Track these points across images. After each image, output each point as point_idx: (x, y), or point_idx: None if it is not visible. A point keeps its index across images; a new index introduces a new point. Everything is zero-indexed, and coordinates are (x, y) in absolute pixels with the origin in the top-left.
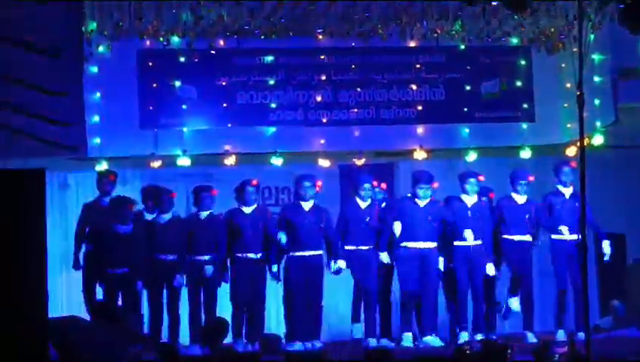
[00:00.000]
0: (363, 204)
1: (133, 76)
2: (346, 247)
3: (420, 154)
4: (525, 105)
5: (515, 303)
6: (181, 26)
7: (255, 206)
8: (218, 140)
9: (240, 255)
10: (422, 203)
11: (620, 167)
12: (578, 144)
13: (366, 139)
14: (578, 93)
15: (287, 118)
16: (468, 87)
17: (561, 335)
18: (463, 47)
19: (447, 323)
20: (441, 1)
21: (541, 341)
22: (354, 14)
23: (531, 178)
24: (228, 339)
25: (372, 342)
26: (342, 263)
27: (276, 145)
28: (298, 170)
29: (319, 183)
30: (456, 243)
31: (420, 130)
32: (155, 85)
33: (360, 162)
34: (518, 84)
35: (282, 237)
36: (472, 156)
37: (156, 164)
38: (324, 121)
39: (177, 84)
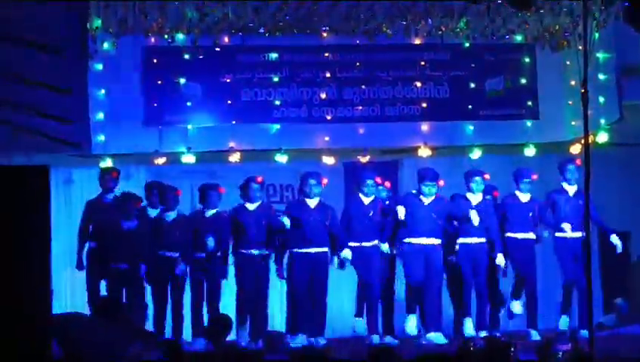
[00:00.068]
0: (366, 200)
1: (137, 73)
2: (350, 244)
3: (424, 152)
4: (529, 103)
5: (517, 306)
6: (186, 23)
7: (259, 203)
8: (222, 137)
9: (244, 251)
10: (426, 200)
11: (625, 164)
12: (582, 142)
13: (370, 137)
14: (582, 90)
15: (291, 116)
16: (472, 85)
17: (564, 322)
18: (467, 44)
19: (450, 321)
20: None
21: (545, 338)
22: (359, 12)
23: (535, 176)
24: (232, 336)
25: (375, 338)
26: (347, 252)
27: (281, 143)
28: (302, 168)
29: (325, 181)
30: (460, 240)
31: (425, 127)
32: (159, 82)
33: (364, 159)
34: (523, 81)
35: (285, 221)
36: (476, 153)
37: (160, 161)
38: (329, 118)
39: (182, 81)
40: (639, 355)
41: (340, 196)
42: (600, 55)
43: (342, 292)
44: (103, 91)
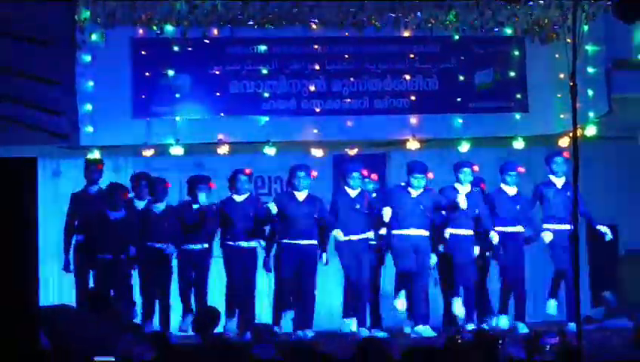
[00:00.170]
0: (352, 193)
1: (126, 65)
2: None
3: (413, 144)
4: (519, 96)
5: (503, 321)
6: (175, 15)
7: (247, 195)
8: (211, 129)
9: (232, 243)
10: (415, 192)
11: (613, 157)
12: (571, 135)
13: (359, 129)
14: (571, 83)
15: (280, 108)
16: (461, 78)
17: (552, 306)
18: (456, 37)
19: (439, 314)
20: None
21: (532, 331)
22: (348, 4)
23: (521, 169)
24: (219, 328)
25: (364, 332)
26: (338, 232)
27: (269, 135)
28: (291, 160)
29: (314, 173)
30: (450, 230)
31: (414, 120)
32: (148, 74)
33: (353, 152)
34: (512, 74)
35: (272, 207)
36: (465, 146)
37: (149, 152)
38: (318, 110)
39: (170, 72)
40: (627, 348)
41: (328, 189)
42: (589, 48)
43: (330, 285)
44: (91, 83)
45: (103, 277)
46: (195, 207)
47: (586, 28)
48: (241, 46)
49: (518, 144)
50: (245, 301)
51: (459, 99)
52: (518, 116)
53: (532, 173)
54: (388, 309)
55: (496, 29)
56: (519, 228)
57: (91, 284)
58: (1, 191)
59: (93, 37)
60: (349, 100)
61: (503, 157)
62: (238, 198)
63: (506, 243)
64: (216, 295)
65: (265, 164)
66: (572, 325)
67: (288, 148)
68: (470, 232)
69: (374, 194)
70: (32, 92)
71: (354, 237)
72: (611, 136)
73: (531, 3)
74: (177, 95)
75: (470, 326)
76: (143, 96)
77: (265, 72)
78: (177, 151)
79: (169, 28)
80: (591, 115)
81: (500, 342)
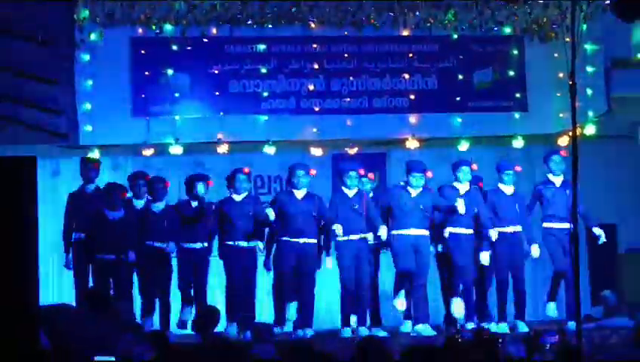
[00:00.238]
0: (350, 193)
1: (125, 64)
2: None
3: (412, 144)
4: (518, 95)
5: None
6: (174, 14)
7: (246, 194)
8: (210, 128)
9: (231, 243)
10: (414, 192)
11: (612, 156)
12: (570, 134)
13: (358, 128)
14: (570, 82)
15: (279, 107)
16: (460, 77)
17: (551, 309)
18: (455, 36)
19: (438, 314)
20: None
21: (532, 330)
22: (347, 4)
23: (518, 168)
24: (220, 328)
25: (363, 331)
26: (337, 226)
27: (268, 134)
28: (290, 159)
29: (313, 172)
30: (450, 229)
31: (413, 119)
32: (147, 73)
33: (352, 151)
34: (511, 73)
35: (270, 213)
36: (464, 145)
37: (148, 152)
38: (317, 109)
39: (170, 72)
40: (627, 347)
41: (327, 188)
42: (588, 47)
43: (330, 283)
44: (90, 82)
45: (102, 276)
46: (194, 204)
47: (584, 27)
48: (241, 45)
49: (518, 143)
50: (245, 301)
51: (458, 99)
52: (517, 115)
53: (532, 172)
54: (388, 309)
55: (495, 28)
56: (518, 228)
57: (91, 284)
58: (0, 191)
59: (93, 36)
60: (348, 99)
61: (503, 156)
62: (237, 198)
63: (505, 242)
64: (217, 295)
65: (264, 163)
66: (572, 324)
67: (288, 147)
68: (470, 231)
69: (371, 195)
70: (31, 91)
71: (353, 237)
72: (610, 135)
73: (530, 2)
74: (177, 94)
75: (470, 326)
76: (143, 96)
77: (264, 71)
78: (177, 150)
79: (168, 27)
80: (590, 114)
81: (500, 341)
